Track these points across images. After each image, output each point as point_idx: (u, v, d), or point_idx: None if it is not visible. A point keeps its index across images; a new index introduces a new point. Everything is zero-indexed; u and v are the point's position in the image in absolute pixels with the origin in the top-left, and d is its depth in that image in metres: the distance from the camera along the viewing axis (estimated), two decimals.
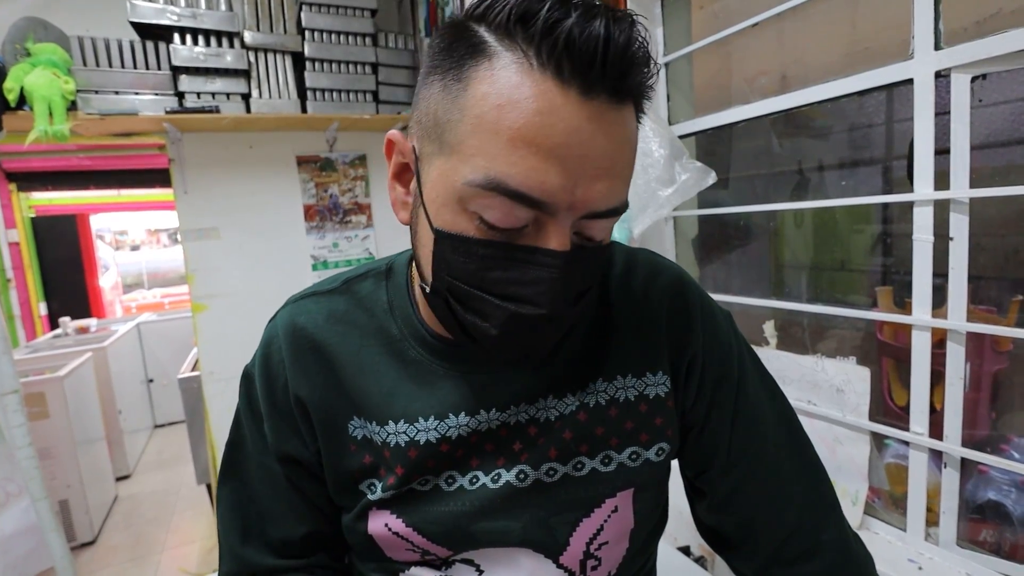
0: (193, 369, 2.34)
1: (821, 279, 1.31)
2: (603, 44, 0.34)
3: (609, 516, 0.50)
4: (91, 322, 3.39)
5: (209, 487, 2.28)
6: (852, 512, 0.98)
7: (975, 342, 0.88)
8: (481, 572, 0.51)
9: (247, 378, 0.55)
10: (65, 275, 3.96)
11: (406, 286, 0.53)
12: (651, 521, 0.55)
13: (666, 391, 0.51)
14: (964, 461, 0.87)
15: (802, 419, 0.57)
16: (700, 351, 0.52)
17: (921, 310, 0.89)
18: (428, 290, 0.44)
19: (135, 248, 7.12)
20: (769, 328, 1.18)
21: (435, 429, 0.49)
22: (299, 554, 0.55)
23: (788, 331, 1.22)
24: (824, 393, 1.03)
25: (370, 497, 0.50)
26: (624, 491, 0.50)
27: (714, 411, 0.53)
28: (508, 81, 0.36)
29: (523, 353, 0.44)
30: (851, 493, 0.99)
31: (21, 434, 1.79)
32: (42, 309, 3.63)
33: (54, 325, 3.52)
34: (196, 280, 1.95)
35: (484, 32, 0.37)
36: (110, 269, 5.05)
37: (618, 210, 0.40)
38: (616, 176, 0.39)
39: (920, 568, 0.87)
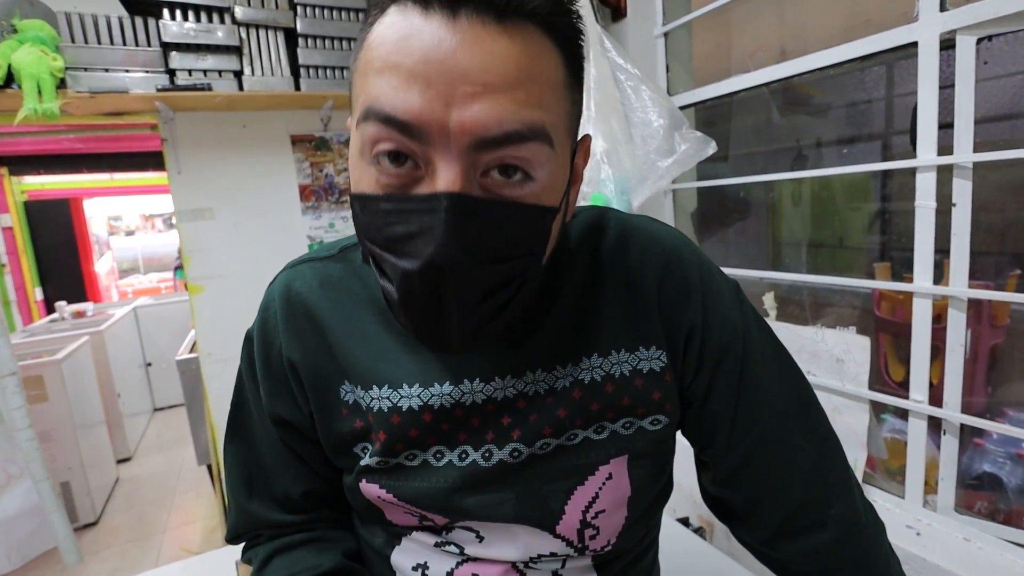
0: (191, 351, 2.33)
1: (820, 256, 1.31)
2: None
3: (604, 483, 0.49)
4: (87, 306, 3.38)
5: (210, 468, 2.29)
6: None
7: (973, 316, 0.88)
8: (482, 539, 0.51)
9: (248, 340, 0.55)
10: (60, 260, 3.94)
11: None
12: (651, 490, 0.53)
13: (662, 366, 0.49)
14: (961, 433, 0.87)
15: None
16: (699, 324, 0.49)
17: (923, 278, 0.89)
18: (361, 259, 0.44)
19: (130, 233, 7.07)
20: (769, 300, 1.17)
21: (418, 396, 0.48)
22: (301, 510, 0.56)
23: (786, 308, 1.23)
24: (824, 363, 1.03)
25: (362, 462, 0.50)
26: (618, 458, 0.49)
27: (716, 385, 0.51)
28: (386, 25, 0.37)
29: (435, 327, 0.40)
30: (850, 461, 0.99)
31: (21, 416, 1.79)
32: (38, 294, 3.62)
33: (50, 310, 3.51)
34: (192, 262, 1.94)
35: None
36: (107, 254, 5.01)
37: (518, 135, 0.36)
38: (500, 94, 0.35)
39: (918, 534, 0.88)
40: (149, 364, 3.77)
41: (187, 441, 2.98)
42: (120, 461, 2.97)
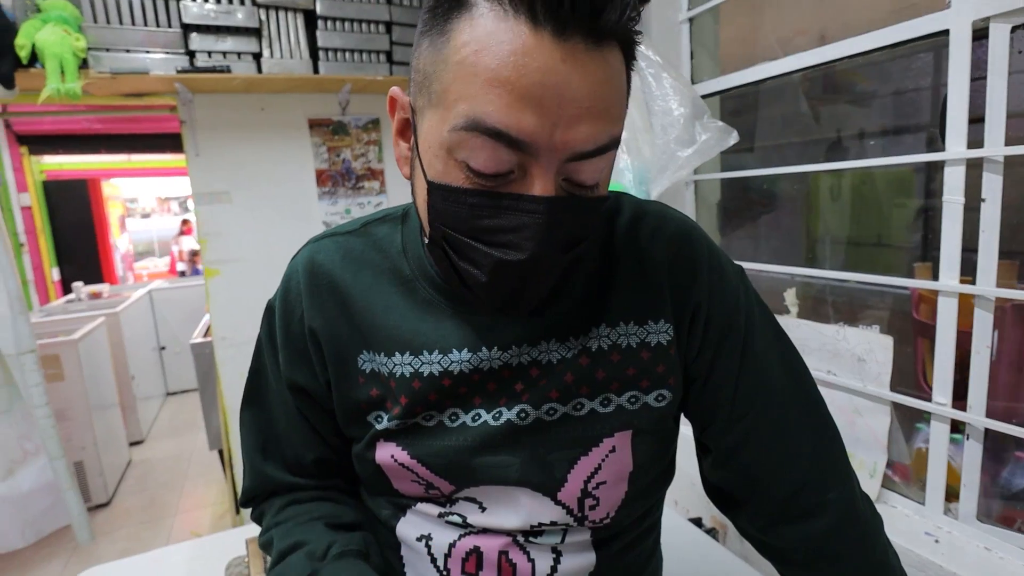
0: (205, 335, 2.40)
1: (857, 254, 1.29)
2: None
3: (607, 456, 0.52)
4: (104, 287, 3.49)
5: (221, 453, 2.37)
6: (870, 484, 0.99)
7: (1018, 319, 0.87)
8: (484, 509, 0.54)
9: (269, 310, 0.60)
10: (78, 240, 4.07)
11: (419, 231, 0.55)
12: (652, 469, 0.57)
13: (668, 339, 0.53)
14: (999, 446, 0.87)
15: (821, 390, 0.58)
16: (704, 301, 0.53)
17: (948, 276, 0.89)
18: (427, 241, 0.48)
19: (145, 216, 7.26)
20: (790, 296, 1.18)
21: (438, 363, 0.52)
22: (313, 475, 0.60)
23: (820, 309, 1.21)
24: (845, 363, 1.03)
25: (377, 428, 0.54)
26: (622, 432, 0.52)
27: (718, 362, 0.54)
28: (484, 28, 0.39)
29: (513, 300, 0.46)
30: (869, 465, 1.00)
31: (38, 393, 1.87)
32: (55, 274, 3.75)
33: (67, 290, 3.63)
34: (208, 245, 2.00)
35: None
36: (123, 235, 5.16)
37: (605, 148, 0.42)
38: (598, 116, 0.40)
39: (937, 541, 0.88)
40: (163, 348, 3.89)
41: (199, 426, 3.07)
42: (133, 444, 3.08)
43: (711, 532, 1.15)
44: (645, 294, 0.53)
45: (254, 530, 1.02)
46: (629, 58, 0.43)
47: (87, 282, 3.50)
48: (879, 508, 0.61)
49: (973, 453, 0.88)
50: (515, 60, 0.38)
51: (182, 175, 4.74)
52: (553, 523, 0.54)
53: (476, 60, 0.39)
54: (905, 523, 0.94)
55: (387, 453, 0.54)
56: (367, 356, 0.54)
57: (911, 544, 0.87)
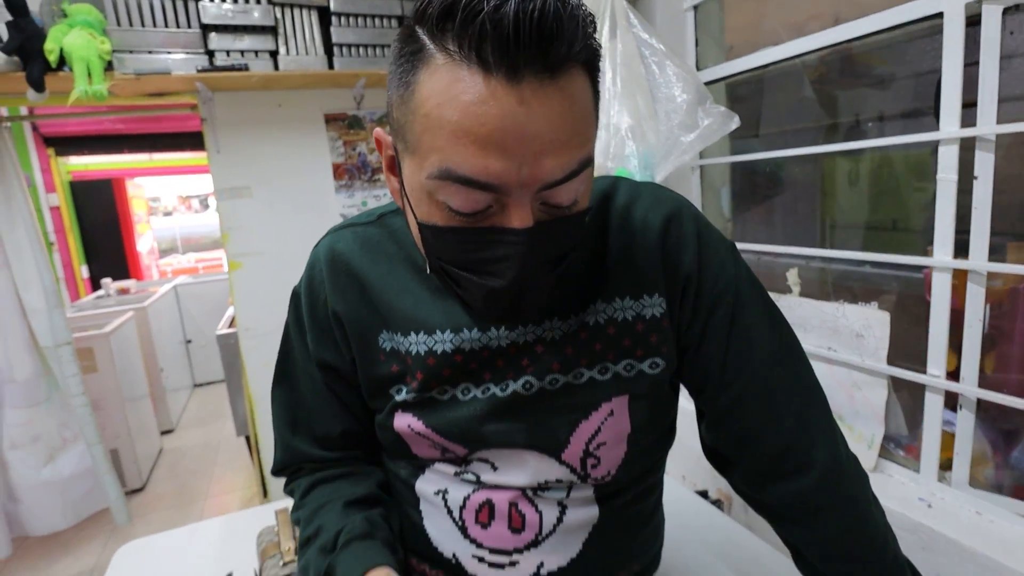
0: (230, 326, 2.50)
1: (873, 238, 1.30)
2: (513, 26, 0.38)
3: (606, 419, 0.58)
4: (131, 283, 3.63)
5: (248, 439, 2.47)
6: (867, 456, 1.03)
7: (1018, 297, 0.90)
8: (495, 468, 0.60)
9: (295, 297, 0.66)
10: (104, 239, 4.21)
11: None
12: (650, 432, 0.62)
13: (661, 311, 0.58)
14: (1011, 423, 0.90)
15: (821, 366, 0.62)
16: (695, 275, 0.58)
17: (943, 252, 0.92)
18: (428, 268, 0.54)
19: (167, 214, 7.44)
20: (792, 276, 1.21)
21: (450, 341, 0.57)
22: (339, 447, 0.67)
23: (839, 294, 1.22)
24: (844, 339, 1.07)
25: (397, 399, 0.60)
26: (619, 397, 0.58)
27: (709, 331, 0.59)
28: (443, 80, 0.41)
29: (512, 315, 0.52)
30: (867, 437, 1.04)
31: (75, 383, 1.98)
32: (84, 272, 3.90)
33: (96, 287, 3.78)
34: (231, 239, 2.08)
35: (422, 34, 0.43)
36: (147, 233, 5.31)
37: (575, 172, 0.44)
38: (562, 147, 0.42)
39: (930, 506, 0.93)
40: (189, 341, 4.02)
41: (226, 416, 3.19)
42: (164, 432, 3.22)
43: (716, 503, 1.20)
44: (639, 270, 0.57)
45: (283, 504, 1.10)
46: (593, 72, 0.45)
47: (115, 279, 3.64)
48: (875, 478, 0.66)
49: (966, 422, 0.92)
50: (474, 110, 0.40)
51: (202, 172, 4.86)
52: (559, 480, 0.59)
53: (439, 113, 0.42)
54: (900, 490, 0.98)
55: (404, 423, 0.60)
56: (386, 336, 0.60)
57: (904, 509, 0.92)
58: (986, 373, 0.92)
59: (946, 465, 0.97)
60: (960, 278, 0.91)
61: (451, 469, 0.62)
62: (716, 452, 0.67)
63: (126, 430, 2.57)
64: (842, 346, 1.08)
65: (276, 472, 0.70)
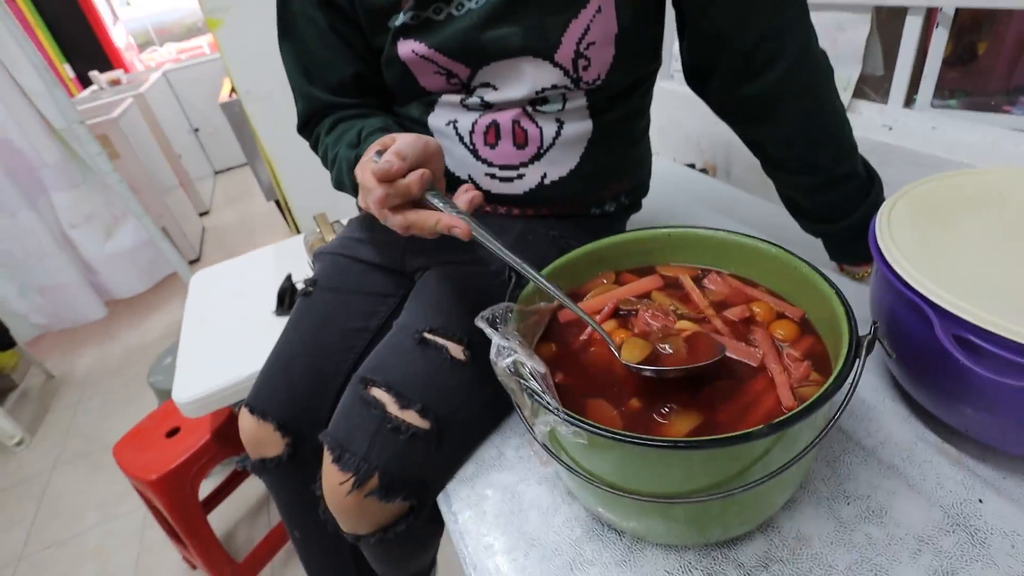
0: (231, 95, 2.52)
1: None
2: None
3: (594, 16, 0.63)
4: (119, 74, 3.56)
5: (278, 202, 2.67)
6: (842, 97, 1.10)
7: None
8: (496, 88, 0.68)
9: None
10: (75, 31, 4.00)
11: None
12: (635, 37, 0.67)
13: None
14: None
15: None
16: None
17: None
18: None
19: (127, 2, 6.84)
20: None
21: None
22: (355, 94, 0.75)
23: None
24: None
25: (397, 24, 0.66)
26: None
27: None
28: None
29: None
30: (844, 78, 1.09)
31: (103, 161, 2.10)
32: (69, 71, 3.80)
33: (85, 85, 3.72)
34: None
35: None
36: (118, 24, 5.00)
37: None
38: None
39: (890, 129, 1.02)
40: (196, 129, 4.07)
41: (252, 193, 3.39)
42: (201, 214, 3.48)
43: (702, 171, 1.33)
44: None
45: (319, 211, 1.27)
46: None
47: (101, 72, 3.56)
48: (848, 116, 0.72)
49: (939, 42, 0.96)
50: None
51: None
52: (554, 86, 0.67)
53: None
54: (867, 121, 1.07)
55: (408, 48, 0.67)
56: None
57: (867, 133, 1.01)
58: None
59: (915, 92, 1.03)
60: None
61: (457, 98, 0.70)
62: (695, 69, 0.74)
63: (168, 210, 2.80)
64: None
65: (301, 127, 0.78)
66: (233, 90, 2.29)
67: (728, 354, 0.51)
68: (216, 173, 4.30)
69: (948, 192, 0.63)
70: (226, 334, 1.12)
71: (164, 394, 1.65)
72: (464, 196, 0.52)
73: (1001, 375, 0.46)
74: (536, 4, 0.62)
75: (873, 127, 1.04)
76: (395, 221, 0.52)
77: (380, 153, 0.52)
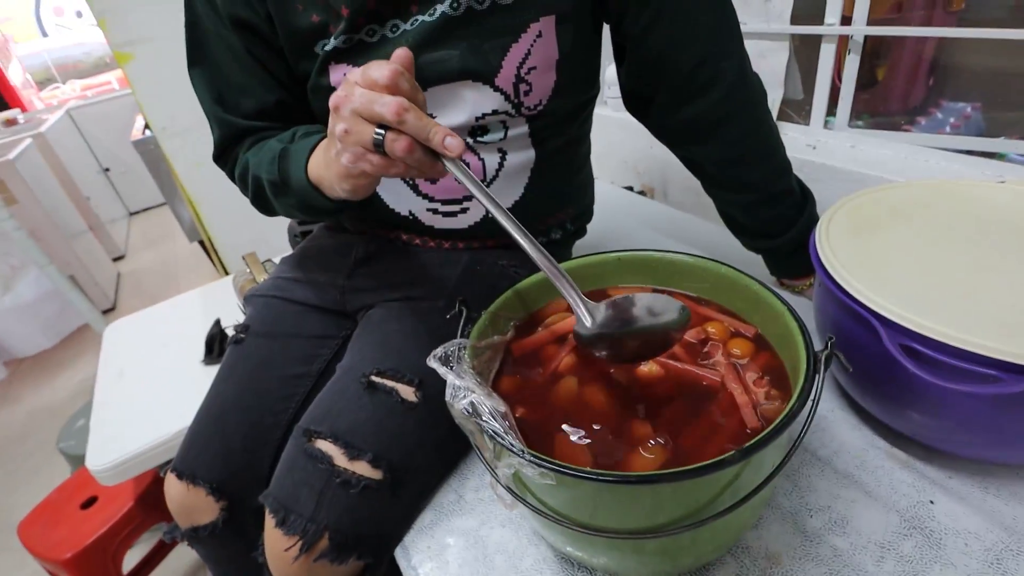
0: (144, 131, 2.40)
1: None
2: None
3: (534, 41, 0.63)
4: (15, 113, 3.34)
5: (202, 243, 2.55)
6: None
7: None
8: (434, 116, 0.65)
9: None
10: None
11: None
12: (576, 65, 0.67)
13: None
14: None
15: None
16: None
17: None
18: None
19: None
20: None
21: None
22: (278, 119, 0.69)
23: None
24: (753, 8, 1.12)
25: (327, 49, 0.62)
26: (546, 17, 0.62)
27: None
28: None
29: None
30: (768, 102, 1.16)
31: None
32: None
33: None
34: (108, 24, 1.89)
35: None
36: (12, 61, 4.71)
37: None
38: None
39: (814, 148, 1.08)
40: (107, 169, 3.85)
41: (172, 234, 3.22)
42: (115, 259, 3.26)
43: (641, 193, 1.37)
44: None
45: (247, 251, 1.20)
46: None
47: None
48: None
49: (851, 66, 1.03)
50: None
51: None
52: (495, 111, 0.65)
53: None
54: (791, 142, 1.13)
55: (340, 75, 0.63)
56: None
57: (793, 153, 1.06)
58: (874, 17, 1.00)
59: (832, 113, 1.11)
60: None
61: None
62: (635, 94, 0.75)
63: (76, 257, 2.61)
64: (751, 16, 1.13)
65: (218, 155, 0.72)
66: (147, 126, 2.19)
67: (690, 368, 0.51)
68: (131, 214, 4.07)
69: (877, 205, 0.66)
70: (147, 389, 1.04)
71: (77, 460, 1.51)
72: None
73: (947, 381, 0.48)
74: (475, 27, 0.61)
75: (799, 147, 1.10)
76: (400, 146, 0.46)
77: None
